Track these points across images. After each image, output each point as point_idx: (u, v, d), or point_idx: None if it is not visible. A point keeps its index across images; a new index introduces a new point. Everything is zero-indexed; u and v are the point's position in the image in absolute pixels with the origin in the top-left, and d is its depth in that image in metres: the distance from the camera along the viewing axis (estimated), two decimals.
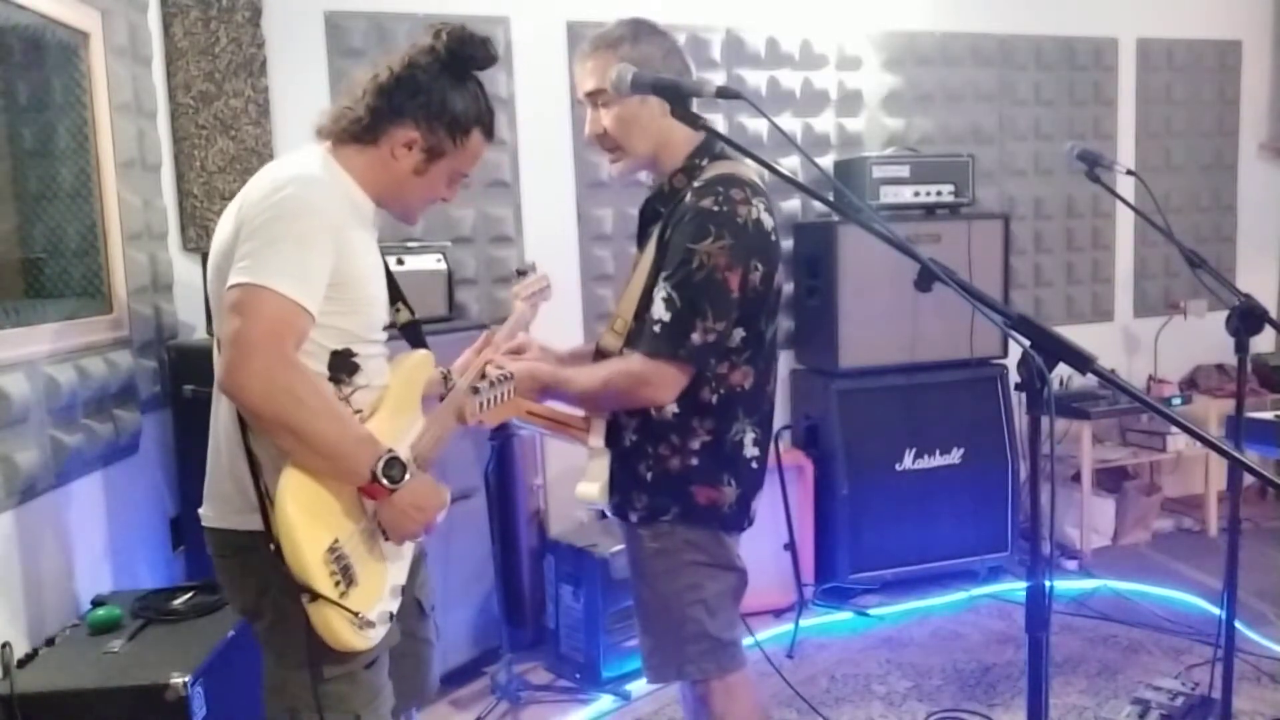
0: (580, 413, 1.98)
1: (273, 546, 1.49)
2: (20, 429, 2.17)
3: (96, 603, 2.29)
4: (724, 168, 1.89)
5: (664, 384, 1.83)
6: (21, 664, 2.02)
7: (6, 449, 2.12)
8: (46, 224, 2.53)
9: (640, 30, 1.91)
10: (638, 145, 1.91)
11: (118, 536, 2.62)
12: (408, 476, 1.57)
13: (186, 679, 1.92)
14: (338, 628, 1.51)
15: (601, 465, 1.95)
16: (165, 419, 2.95)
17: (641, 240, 2.01)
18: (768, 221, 1.85)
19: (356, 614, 1.53)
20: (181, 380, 2.84)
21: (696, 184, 1.86)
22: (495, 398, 1.78)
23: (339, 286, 1.56)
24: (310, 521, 1.50)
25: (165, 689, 1.91)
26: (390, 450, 1.56)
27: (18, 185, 2.48)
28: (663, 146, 1.92)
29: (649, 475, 1.91)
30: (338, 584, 1.51)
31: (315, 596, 1.48)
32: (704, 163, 1.91)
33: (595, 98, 1.92)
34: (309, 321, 1.50)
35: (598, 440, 1.95)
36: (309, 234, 1.51)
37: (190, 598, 2.32)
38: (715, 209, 1.79)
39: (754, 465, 1.96)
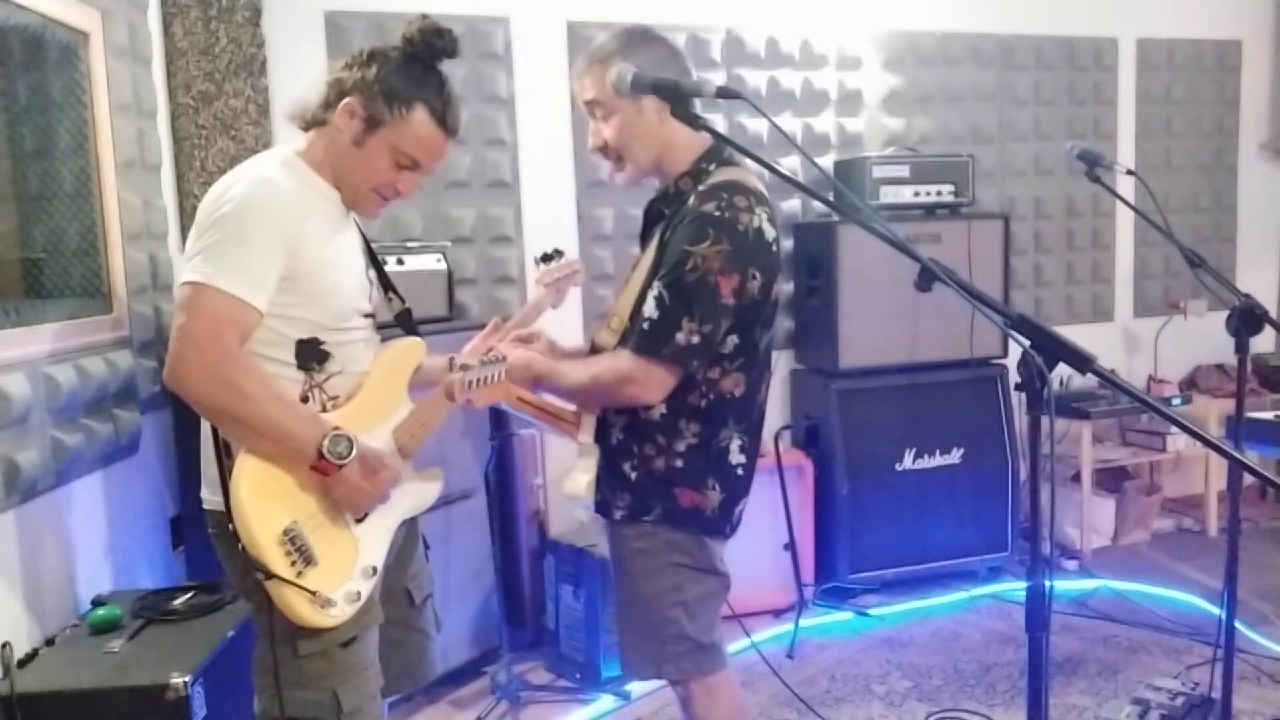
0: (573, 407, 1.98)
1: (231, 528, 1.57)
2: (20, 429, 2.17)
3: (96, 603, 2.29)
4: (730, 174, 1.88)
5: (649, 383, 1.83)
6: (21, 664, 2.02)
7: (6, 449, 2.12)
8: (46, 224, 2.53)
9: (633, 40, 1.90)
10: (639, 154, 1.92)
11: (118, 536, 2.62)
12: (355, 452, 1.62)
13: (186, 679, 1.92)
14: (296, 606, 1.59)
15: (589, 462, 1.96)
16: (165, 419, 2.95)
17: (644, 240, 2.01)
18: (769, 231, 1.85)
19: (314, 593, 1.60)
20: None
21: (701, 188, 1.86)
22: (485, 378, 1.78)
23: (295, 280, 1.62)
24: (264, 505, 1.58)
25: (165, 689, 1.91)
26: (336, 428, 1.61)
27: (18, 185, 2.48)
28: (666, 152, 1.92)
29: (633, 475, 1.91)
30: (294, 564, 1.59)
31: (270, 576, 1.56)
32: (711, 167, 1.91)
33: (594, 108, 1.92)
34: (254, 315, 1.58)
35: (587, 436, 1.96)
36: (252, 233, 1.57)
37: (190, 598, 2.32)
38: (717, 214, 1.79)
39: (740, 472, 1.96)
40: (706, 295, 1.79)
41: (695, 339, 1.80)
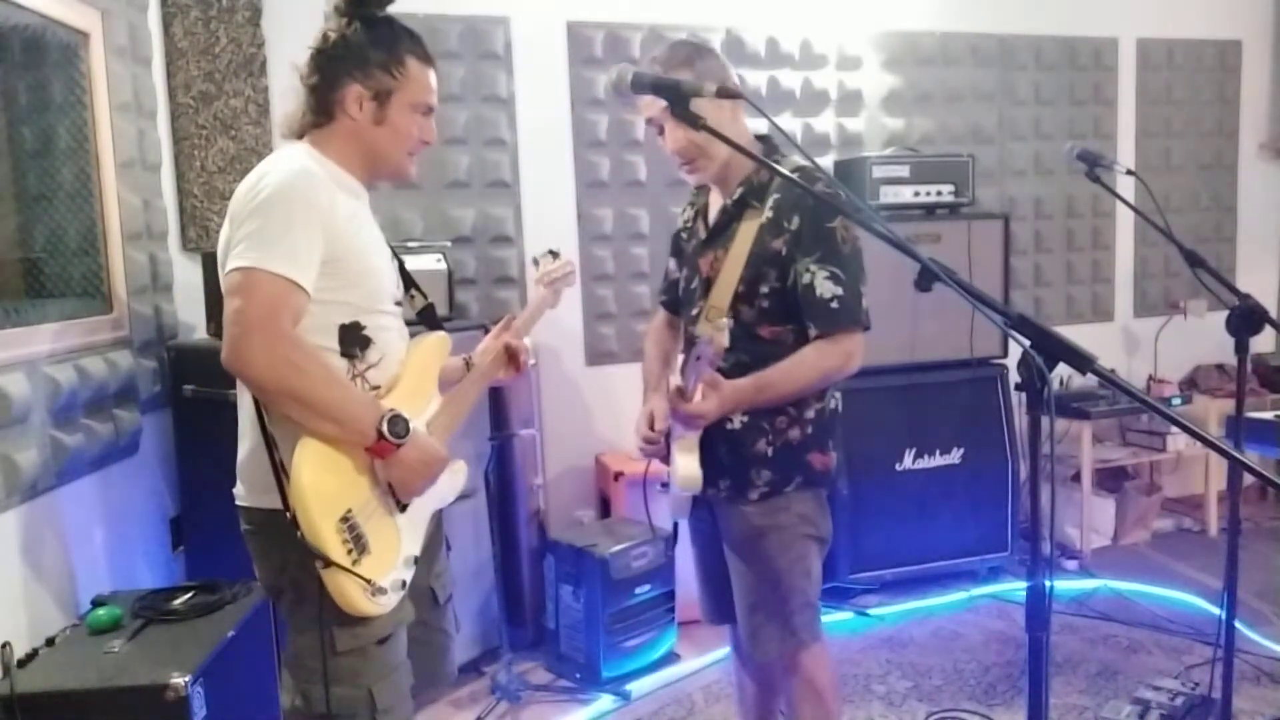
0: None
1: (289, 515, 1.56)
2: (20, 429, 2.17)
3: (96, 603, 2.29)
4: (797, 159, 2.01)
5: (860, 354, 1.97)
6: (21, 664, 2.01)
7: (6, 449, 2.12)
8: (46, 224, 2.53)
9: (703, 49, 2.03)
10: (721, 151, 1.97)
11: (118, 536, 2.62)
12: (411, 432, 1.64)
13: (186, 679, 1.92)
14: (350, 594, 1.59)
15: (692, 445, 1.99)
16: (165, 419, 2.95)
17: (716, 235, 2.06)
18: None
19: (369, 581, 1.61)
20: (181, 380, 2.84)
21: (792, 174, 1.89)
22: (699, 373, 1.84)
23: (335, 262, 1.64)
24: (324, 491, 1.58)
25: (165, 689, 1.91)
26: (392, 409, 1.63)
27: (18, 185, 2.48)
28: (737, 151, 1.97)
29: (770, 450, 2.00)
30: (350, 551, 1.59)
31: (329, 563, 1.56)
32: (777, 158, 2.01)
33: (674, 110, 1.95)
34: (304, 297, 1.58)
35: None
36: (294, 216, 1.58)
37: (190, 598, 2.32)
38: (829, 190, 1.95)
39: (838, 429, 2.10)
40: (861, 261, 1.96)
41: (868, 301, 1.97)
